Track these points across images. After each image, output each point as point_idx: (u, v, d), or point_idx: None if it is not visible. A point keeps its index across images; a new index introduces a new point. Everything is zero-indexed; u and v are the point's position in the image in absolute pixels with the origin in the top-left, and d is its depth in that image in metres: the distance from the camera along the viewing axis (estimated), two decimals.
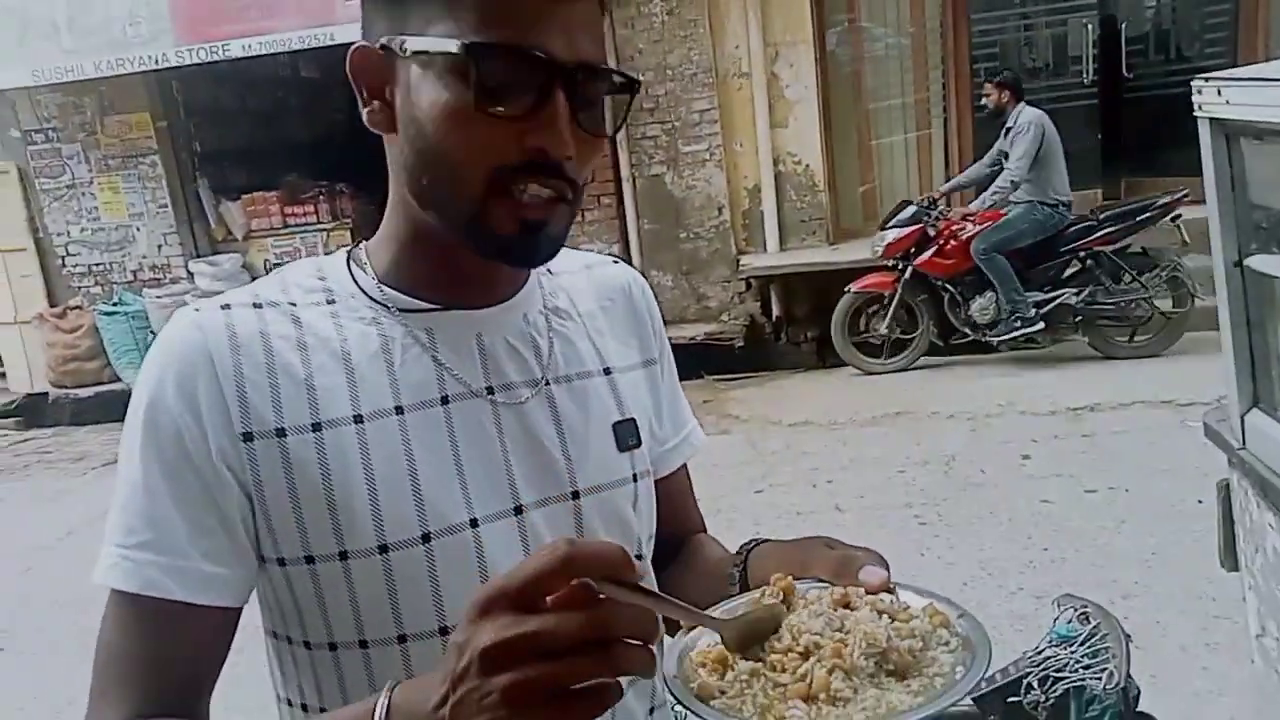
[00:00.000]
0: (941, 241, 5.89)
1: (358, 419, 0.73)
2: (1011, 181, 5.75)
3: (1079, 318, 5.84)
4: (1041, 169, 5.72)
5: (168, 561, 0.70)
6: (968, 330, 6.03)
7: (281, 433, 0.72)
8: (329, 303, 0.78)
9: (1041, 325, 5.74)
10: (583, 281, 0.90)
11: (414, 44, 0.69)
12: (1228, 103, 1.49)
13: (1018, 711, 1.33)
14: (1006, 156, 5.84)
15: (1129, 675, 1.31)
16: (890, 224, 6.02)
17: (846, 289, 6.15)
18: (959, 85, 7.06)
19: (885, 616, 0.66)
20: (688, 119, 6.92)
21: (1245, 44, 6.56)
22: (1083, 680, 1.31)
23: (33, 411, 7.91)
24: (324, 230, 7.89)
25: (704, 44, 6.81)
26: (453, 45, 0.67)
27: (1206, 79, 1.56)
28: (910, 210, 5.97)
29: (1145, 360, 5.82)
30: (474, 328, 0.79)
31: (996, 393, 5.61)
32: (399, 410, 0.75)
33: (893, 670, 0.64)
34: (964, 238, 5.84)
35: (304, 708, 0.79)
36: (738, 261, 7.07)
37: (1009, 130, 5.84)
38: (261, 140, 8.66)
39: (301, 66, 9.02)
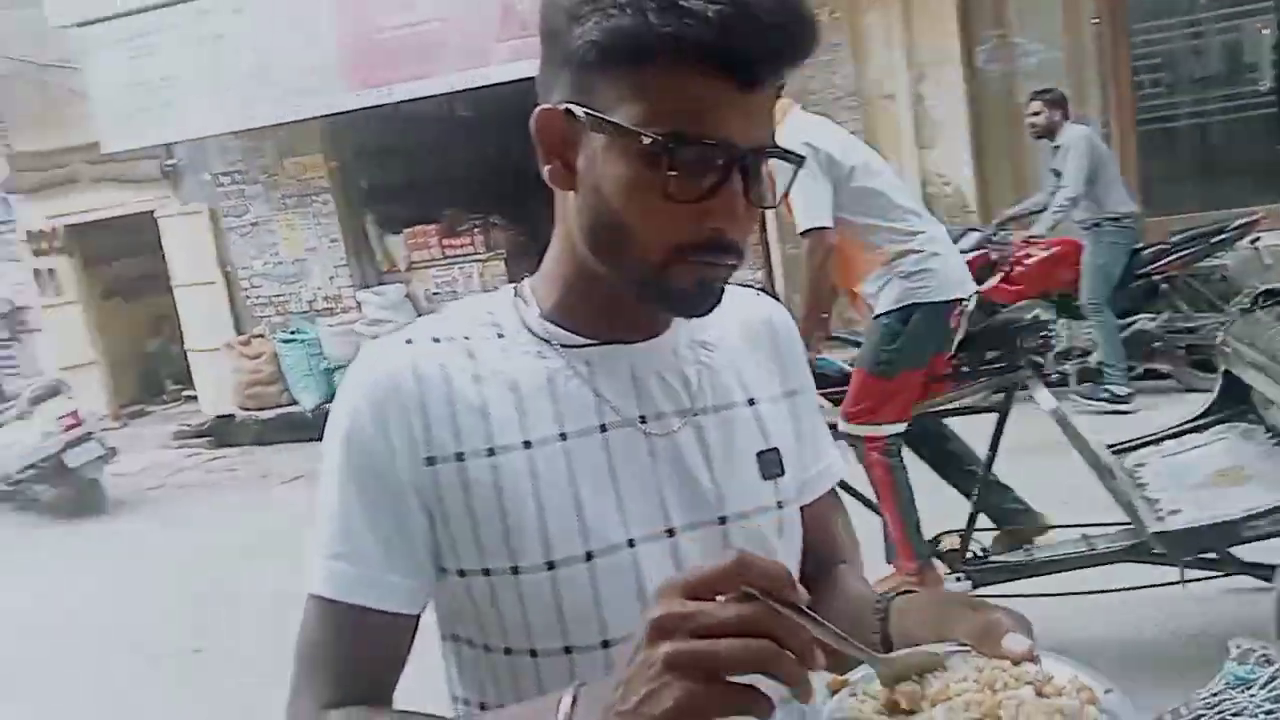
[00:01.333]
0: (1007, 269, 5.71)
1: (527, 444, 0.80)
2: (1069, 199, 5.48)
3: (1157, 344, 5.54)
4: (1095, 185, 5.47)
5: (361, 573, 0.78)
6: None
7: (460, 457, 0.79)
8: (499, 337, 0.84)
9: (1130, 406, 5.41)
10: (727, 315, 0.92)
11: (604, 122, 0.74)
12: None
13: None
14: (1059, 175, 5.57)
15: None
16: (963, 250, 5.86)
17: None
18: (1120, 98, 6.75)
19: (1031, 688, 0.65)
20: None
21: None
22: None
23: (221, 432, 8.60)
24: (479, 261, 8.26)
25: (846, 67, 6.78)
26: (647, 134, 0.72)
27: None
28: (975, 236, 5.80)
29: None
30: (629, 361, 0.85)
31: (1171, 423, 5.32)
32: (563, 437, 0.81)
33: None
34: (1030, 264, 5.66)
35: (481, 706, 0.87)
36: None
37: (1059, 148, 5.58)
38: (421, 177, 9.17)
39: (457, 106, 9.51)
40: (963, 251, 5.85)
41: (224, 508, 6.57)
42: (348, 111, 7.52)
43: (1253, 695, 1.28)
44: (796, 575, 0.90)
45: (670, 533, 0.83)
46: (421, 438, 0.79)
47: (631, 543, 0.81)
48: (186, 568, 5.40)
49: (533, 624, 0.81)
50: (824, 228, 3.18)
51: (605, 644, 0.80)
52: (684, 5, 0.69)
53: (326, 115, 7.58)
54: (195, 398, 9.33)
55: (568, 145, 0.77)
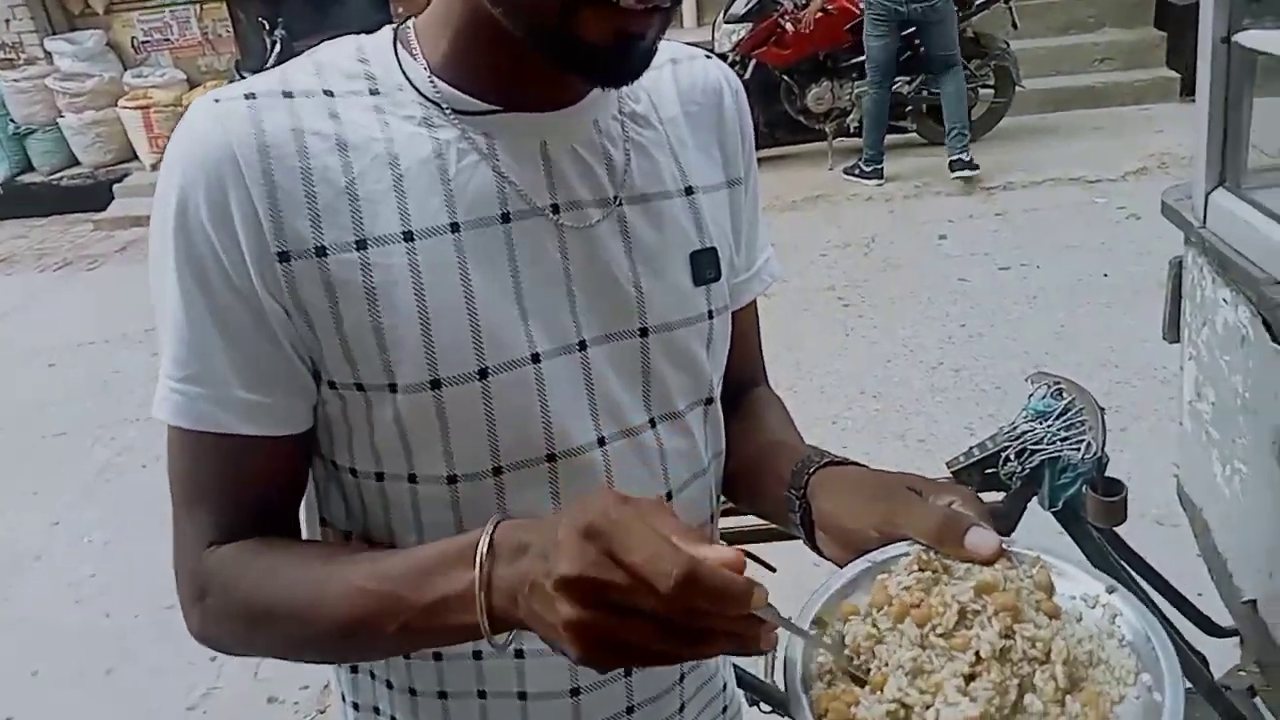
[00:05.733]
0: (780, 31, 5.70)
1: (408, 236, 0.65)
2: None
3: (908, 107, 5.82)
4: None
5: (216, 394, 0.65)
6: (802, 119, 5.97)
7: (321, 251, 0.63)
8: (372, 93, 0.67)
9: (880, 182, 5.55)
10: (667, 80, 0.77)
11: None
12: None
13: (994, 481, 1.40)
14: None
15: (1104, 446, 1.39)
16: (734, 16, 5.75)
17: None
18: None
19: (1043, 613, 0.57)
20: None
21: None
22: (1059, 452, 1.38)
23: None
24: (196, 3, 7.15)
25: None
26: None
27: None
28: (752, 2, 5.70)
29: (1040, 139, 5.93)
30: (538, 134, 0.69)
31: (912, 174, 5.67)
32: (454, 228, 0.65)
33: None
34: (802, 27, 5.61)
35: (346, 535, 0.75)
36: None
37: None
38: None
39: None
40: (741, 18, 5.70)
41: None
42: None
43: (1049, 426, 1.41)
44: (719, 390, 0.81)
45: (582, 345, 0.70)
46: (270, 227, 0.63)
47: (536, 357, 0.68)
48: None
49: (413, 449, 0.68)
50: None
51: (496, 470, 0.69)
52: None
53: None
54: None
55: None
